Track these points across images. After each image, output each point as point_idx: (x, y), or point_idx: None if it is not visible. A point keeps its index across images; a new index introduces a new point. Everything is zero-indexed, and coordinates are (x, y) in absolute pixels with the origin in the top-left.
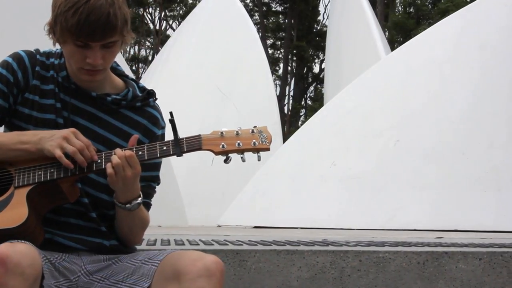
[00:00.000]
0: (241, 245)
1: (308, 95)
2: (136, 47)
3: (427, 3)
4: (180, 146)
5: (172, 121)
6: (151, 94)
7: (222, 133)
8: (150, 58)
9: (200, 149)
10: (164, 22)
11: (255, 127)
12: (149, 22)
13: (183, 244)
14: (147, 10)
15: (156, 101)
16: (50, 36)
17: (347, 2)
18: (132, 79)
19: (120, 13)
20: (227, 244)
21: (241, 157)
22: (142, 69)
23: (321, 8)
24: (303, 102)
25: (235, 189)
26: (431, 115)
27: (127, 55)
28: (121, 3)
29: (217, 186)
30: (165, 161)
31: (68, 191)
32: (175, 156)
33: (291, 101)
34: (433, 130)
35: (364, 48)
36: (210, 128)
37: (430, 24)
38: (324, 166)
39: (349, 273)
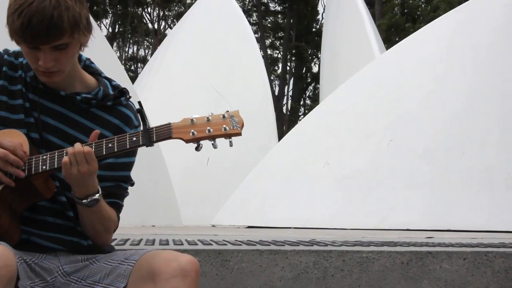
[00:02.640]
0: (225, 245)
1: (307, 94)
2: (135, 47)
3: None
4: (150, 136)
5: (140, 111)
6: (123, 92)
7: (192, 120)
8: (148, 57)
9: (170, 137)
10: (163, 22)
11: (227, 111)
12: (147, 21)
13: (167, 244)
14: (145, 10)
15: (130, 99)
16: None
17: (342, 1)
18: (105, 77)
19: (68, 15)
20: (211, 244)
21: (212, 144)
22: (141, 69)
23: (320, 8)
24: (302, 102)
25: (230, 189)
26: (424, 115)
27: (126, 54)
28: (71, 4)
29: (213, 186)
30: (159, 161)
31: (42, 188)
32: (145, 146)
33: (290, 101)
34: (426, 129)
35: (359, 48)
36: None
37: (422, 23)
38: (317, 166)
39: (332, 273)
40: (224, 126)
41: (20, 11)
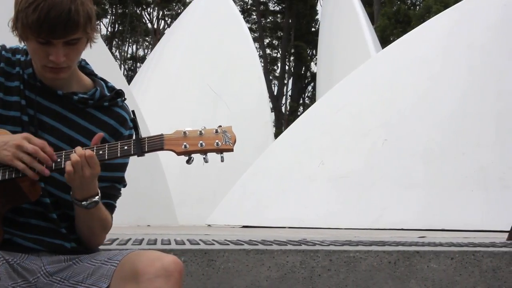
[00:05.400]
0: (213, 244)
1: (306, 94)
2: (134, 47)
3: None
4: (142, 146)
5: (134, 120)
6: (119, 94)
7: (185, 132)
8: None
9: (162, 149)
10: (162, 21)
11: (219, 126)
12: (147, 21)
13: (155, 244)
14: (145, 10)
15: (125, 101)
16: (15, 33)
17: (339, 1)
18: (101, 79)
19: (83, 9)
20: (199, 244)
21: (204, 158)
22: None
23: (319, 8)
24: (301, 102)
25: (227, 189)
26: (419, 115)
27: (125, 54)
28: None
29: (209, 185)
30: (155, 160)
31: (28, 190)
32: (136, 156)
33: (288, 101)
34: (421, 129)
35: (355, 47)
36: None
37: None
38: (312, 166)
39: (319, 273)
40: (217, 141)
41: (36, 5)
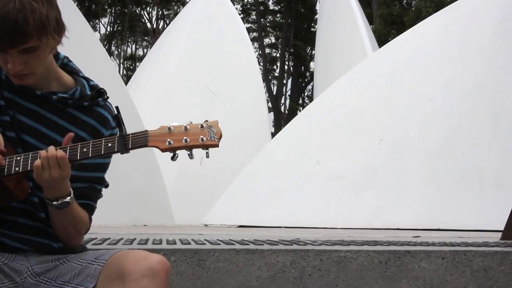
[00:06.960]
0: (204, 244)
1: (306, 94)
2: (134, 46)
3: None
4: (126, 143)
5: (117, 117)
6: (101, 93)
7: (170, 128)
8: None
9: (146, 145)
10: (162, 21)
11: (205, 121)
12: (146, 21)
13: (146, 244)
14: (145, 9)
15: (108, 100)
16: None
17: (336, 0)
18: (83, 77)
19: (34, 18)
20: (190, 243)
21: (188, 154)
22: None
23: (318, 7)
24: (300, 101)
25: (224, 188)
26: (416, 114)
27: (124, 54)
28: (37, 7)
29: (206, 185)
30: (152, 160)
31: (15, 188)
32: (120, 153)
33: (288, 100)
34: (417, 129)
35: (352, 47)
36: None
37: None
38: (308, 165)
39: (309, 273)
40: (202, 136)
41: None
